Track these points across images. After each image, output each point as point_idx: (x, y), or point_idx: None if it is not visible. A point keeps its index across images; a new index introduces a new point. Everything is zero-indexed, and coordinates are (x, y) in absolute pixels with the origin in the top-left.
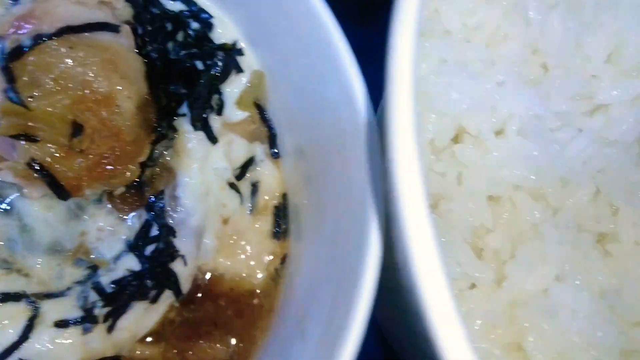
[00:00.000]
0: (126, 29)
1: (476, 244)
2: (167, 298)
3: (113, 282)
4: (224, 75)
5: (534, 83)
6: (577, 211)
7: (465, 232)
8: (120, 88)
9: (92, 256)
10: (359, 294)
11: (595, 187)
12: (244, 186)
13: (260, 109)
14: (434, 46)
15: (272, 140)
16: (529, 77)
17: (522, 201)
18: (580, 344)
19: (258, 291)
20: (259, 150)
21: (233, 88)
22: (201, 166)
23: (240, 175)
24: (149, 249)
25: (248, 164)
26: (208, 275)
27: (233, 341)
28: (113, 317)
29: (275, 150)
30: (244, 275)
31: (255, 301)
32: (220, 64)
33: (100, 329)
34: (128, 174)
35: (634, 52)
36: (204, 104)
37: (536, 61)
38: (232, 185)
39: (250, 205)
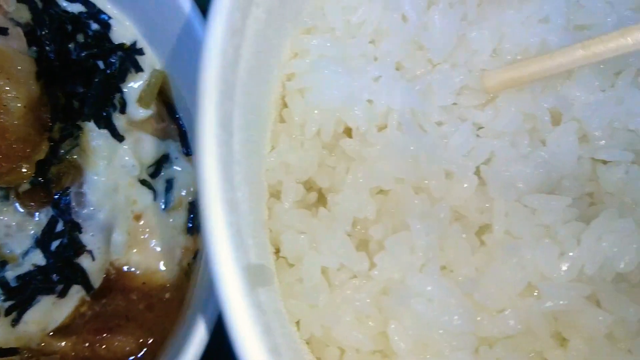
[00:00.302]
0: (17, 32)
1: (362, 235)
2: (78, 292)
3: (18, 277)
4: (122, 74)
5: (419, 78)
6: (461, 203)
7: (347, 225)
8: (8, 89)
9: (1, 251)
10: None
11: (478, 179)
12: (159, 183)
13: (169, 107)
14: (317, 43)
15: (183, 137)
16: (415, 72)
17: (405, 194)
18: (437, 332)
19: (169, 285)
20: (173, 147)
21: (134, 86)
22: (108, 163)
23: (155, 173)
24: (54, 244)
25: (162, 161)
26: (120, 270)
27: (144, 334)
28: (17, 310)
29: (188, 148)
30: (156, 269)
31: (167, 295)
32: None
33: (2, 322)
34: (23, 171)
35: (516, 44)
36: (104, 103)
37: (422, 57)
38: (144, 182)
39: (164, 201)
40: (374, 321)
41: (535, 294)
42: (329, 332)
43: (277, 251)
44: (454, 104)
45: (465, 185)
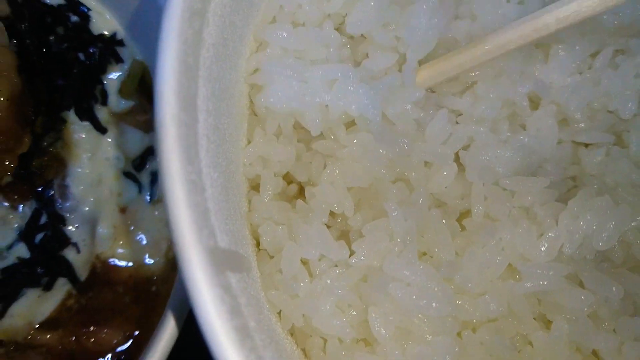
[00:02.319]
0: None
1: (343, 227)
2: (64, 285)
3: (3, 270)
4: (102, 65)
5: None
6: (442, 190)
7: (324, 216)
8: None
9: None
10: None
11: (458, 167)
12: (144, 176)
13: (151, 99)
14: (278, 35)
15: None
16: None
17: (384, 184)
18: (417, 316)
19: (156, 278)
20: None
21: (114, 77)
22: (92, 156)
23: (140, 166)
24: (39, 237)
25: (147, 154)
26: (106, 263)
27: (130, 327)
28: (3, 303)
29: None
30: (142, 262)
31: (154, 288)
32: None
33: None
34: (7, 163)
35: (486, 30)
36: (85, 94)
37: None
38: (129, 175)
39: (149, 194)
40: (355, 309)
41: (516, 277)
42: (309, 321)
43: (259, 244)
44: (432, 91)
45: (445, 173)
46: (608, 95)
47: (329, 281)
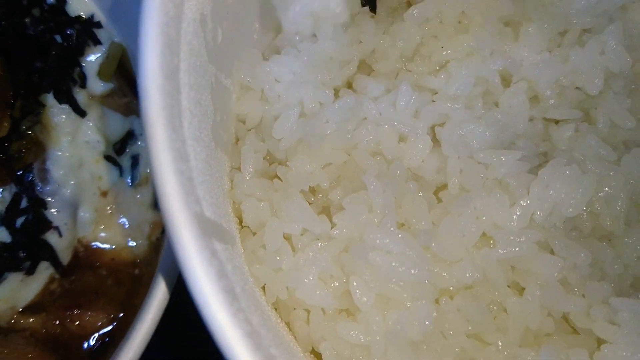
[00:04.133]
0: None
1: (324, 203)
2: (46, 270)
3: None
4: (80, 47)
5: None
6: (418, 164)
7: (305, 187)
8: None
9: None
10: None
11: (434, 143)
12: (125, 159)
13: (131, 82)
14: None
15: None
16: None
17: (361, 159)
18: (398, 283)
19: (139, 261)
20: (137, 123)
21: (92, 60)
22: (72, 140)
23: (120, 149)
24: (19, 221)
25: (127, 137)
26: (88, 247)
27: (114, 310)
28: None
29: None
30: (125, 245)
31: (137, 271)
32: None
33: None
34: None
35: (455, 9)
36: (64, 77)
37: None
38: (110, 159)
39: (130, 177)
40: (337, 281)
41: (490, 244)
42: (293, 293)
43: (241, 222)
44: (409, 70)
45: (420, 146)
46: (576, 71)
47: (311, 254)
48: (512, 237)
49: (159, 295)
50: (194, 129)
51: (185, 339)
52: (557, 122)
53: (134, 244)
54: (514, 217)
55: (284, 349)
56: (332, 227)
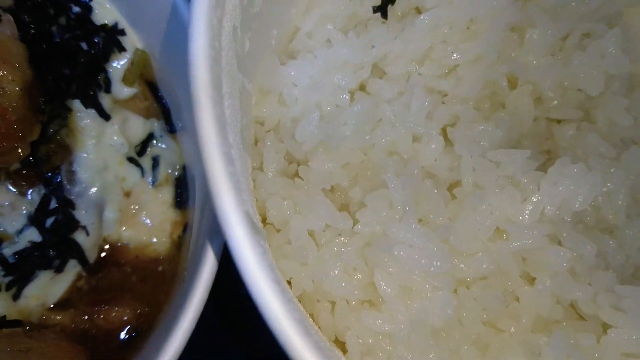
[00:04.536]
0: (7, 18)
1: (343, 200)
2: (74, 267)
3: (16, 253)
4: (106, 54)
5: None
6: (431, 163)
7: (327, 185)
8: (5, 73)
9: None
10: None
11: (446, 142)
12: (146, 161)
13: (151, 86)
14: None
15: (166, 116)
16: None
17: (378, 157)
18: (420, 275)
19: (162, 258)
20: (157, 126)
21: (117, 66)
22: (97, 142)
23: (141, 151)
24: (49, 221)
25: (148, 139)
26: (114, 245)
27: (139, 305)
28: (17, 285)
29: (171, 126)
30: (148, 243)
31: (160, 268)
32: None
33: (4, 297)
34: (19, 151)
35: (465, 16)
36: (90, 82)
37: None
38: (132, 160)
39: (151, 178)
40: (361, 272)
41: (504, 237)
42: (319, 286)
43: (264, 220)
44: (419, 74)
45: (433, 146)
46: (578, 74)
47: (335, 249)
48: (524, 231)
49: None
50: (232, 134)
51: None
52: (559, 121)
53: (157, 242)
54: (526, 212)
55: (319, 336)
56: (354, 224)
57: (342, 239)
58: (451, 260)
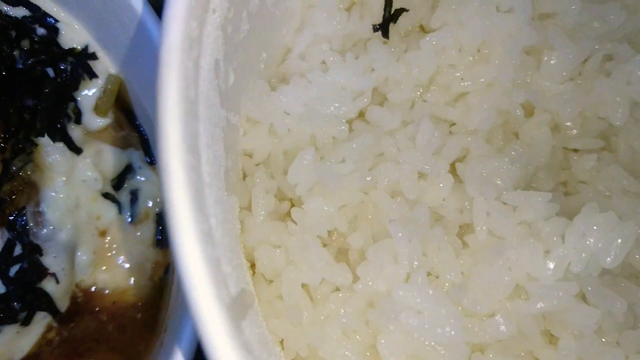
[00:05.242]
0: None
1: (340, 244)
2: (43, 318)
3: None
4: (75, 81)
5: None
6: (439, 203)
7: (322, 233)
8: None
9: None
10: None
11: (455, 179)
12: (123, 195)
13: (127, 113)
14: None
15: (145, 145)
16: None
17: (381, 198)
18: (429, 343)
19: (141, 304)
20: (135, 156)
21: (88, 94)
22: (67, 179)
23: (118, 185)
24: (13, 269)
25: (125, 172)
26: (87, 291)
27: (117, 357)
28: None
29: (151, 157)
30: (126, 287)
31: (139, 315)
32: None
33: None
34: None
35: (475, 38)
36: (58, 114)
37: None
38: (108, 195)
39: (129, 214)
40: (361, 335)
41: (523, 296)
42: (315, 351)
43: (252, 265)
44: (424, 100)
45: (441, 184)
46: (600, 102)
47: (332, 307)
48: (548, 291)
49: None
50: (213, 192)
51: None
52: (576, 150)
53: (136, 285)
54: (549, 268)
55: None
56: (353, 278)
57: (340, 295)
58: (466, 327)
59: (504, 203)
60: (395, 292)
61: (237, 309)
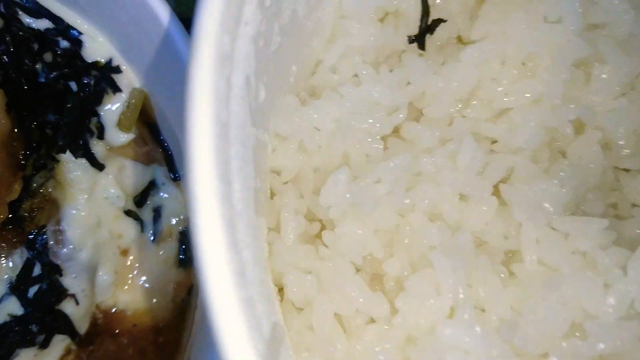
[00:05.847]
0: None
1: (375, 270)
2: (62, 341)
3: None
4: (98, 96)
5: None
6: (482, 228)
7: (357, 261)
8: None
9: None
10: None
11: (498, 201)
12: (146, 213)
13: (152, 128)
14: None
15: (169, 161)
16: None
17: (419, 222)
18: None
19: (162, 326)
20: (159, 173)
21: (112, 109)
22: (89, 196)
23: (141, 202)
24: (32, 290)
25: (148, 188)
26: (108, 312)
27: None
28: None
29: (175, 173)
30: (148, 309)
31: (161, 338)
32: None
33: None
34: None
35: (521, 51)
36: (80, 129)
37: None
38: (130, 213)
39: (152, 232)
40: None
41: (579, 335)
42: None
43: (280, 289)
44: (463, 116)
45: (484, 208)
46: None
47: (368, 339)
48: (610, 330)
49: None
50: (244, 220)
51: None
52: (627, 170)
53: (157, 307)
54: (610, 304)
55: None
56: (391, 311)
57: (376, 328)
58: None
59: (554, 229)
60: (440, 330)
61: (271, 353)
